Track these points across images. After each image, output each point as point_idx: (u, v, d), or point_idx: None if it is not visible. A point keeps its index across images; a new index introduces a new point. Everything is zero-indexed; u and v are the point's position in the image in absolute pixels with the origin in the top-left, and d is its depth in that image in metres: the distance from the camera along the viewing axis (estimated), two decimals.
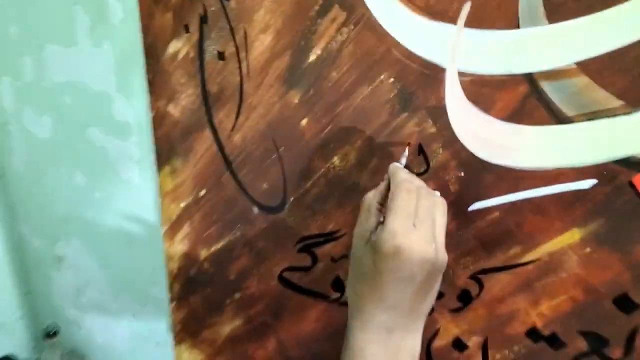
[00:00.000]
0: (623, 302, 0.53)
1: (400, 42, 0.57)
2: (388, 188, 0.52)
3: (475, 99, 0.55)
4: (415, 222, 0.46)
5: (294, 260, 0.76)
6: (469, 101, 0.55)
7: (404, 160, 0.59)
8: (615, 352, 0.56)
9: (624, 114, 0.48)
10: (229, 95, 0.73)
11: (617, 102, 0.48)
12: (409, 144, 0.60)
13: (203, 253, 0.85)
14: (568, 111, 0.50)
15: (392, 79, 0.59)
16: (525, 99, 0.52)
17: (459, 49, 0.54)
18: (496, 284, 0.60)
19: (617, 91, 0.47)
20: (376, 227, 0.48)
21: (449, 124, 0.57)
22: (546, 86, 0.51)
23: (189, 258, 0.88)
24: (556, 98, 0.51)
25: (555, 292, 0.57)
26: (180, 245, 0.88)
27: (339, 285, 0.73)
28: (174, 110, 0.79)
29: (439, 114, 0.58)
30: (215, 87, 0.74)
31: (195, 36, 0.73)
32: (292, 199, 0.72)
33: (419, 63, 0.57)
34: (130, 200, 0.93)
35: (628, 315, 0.54)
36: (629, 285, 0.53)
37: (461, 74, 0.55)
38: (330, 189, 0.68)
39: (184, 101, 0.77)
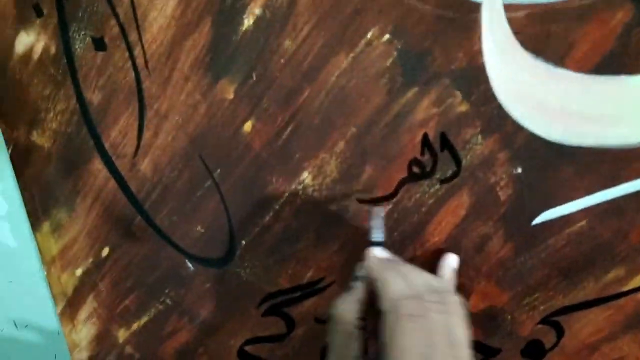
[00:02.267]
0: None
1: None
2: (369, 293, 0.37)
3: (536, 46, 0.34)
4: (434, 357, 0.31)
5: (258, 327, 0.52)
6: (527, 50, 0.34)
7: (380, 236, 0.40)
8: None
9: None
10: (122, 103, 0.47)
11: None
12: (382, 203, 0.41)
13: (121, 334, 0.60)
14: None
15: (387, 36, 0.37)
16: (627, 32, 0.32)
17: None
18: (586, 325, 0.40)
19: None
20: (359, 357, 0.35)
21: (492, 93, 0.36)
22: None
23: (102, 343, 0.62)
24: None
25: None
26: (86, 328, 0.62)
27: None
28: (40, 139, 0.52)
29: (473, 79, 0.36)
30: (98, 94, 0.48)
31: (53, 19, 0.47)
32: (243, 242, 0.48)
33: (434, 1, 0.35)
34: (6, 272, 0.65)
35: None
36: None
37: (509, 7, 0.33)
38: (301, 221, 0.45)
39: (54, 123, 0.51)
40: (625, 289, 0.37)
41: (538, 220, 0.38)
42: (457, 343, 0.32)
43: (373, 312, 0.35)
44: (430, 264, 0.41)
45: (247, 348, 0.54)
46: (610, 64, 0.33)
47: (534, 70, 0.34)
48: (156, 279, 0.55)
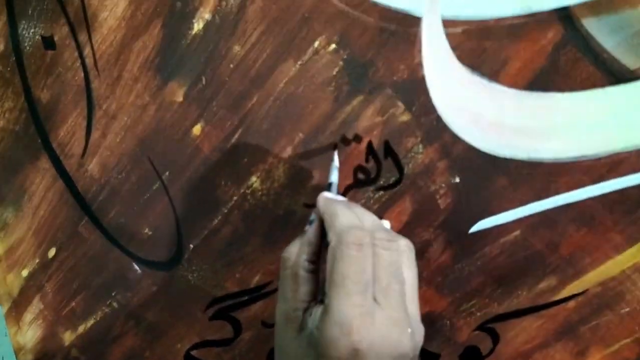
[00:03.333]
0: None
1: None
2: (320, 235, 0.34)
3: (473, 61, 0.35)
4: (377, 294, 0.29)
5: (205, 331, 0.52)
6: (463, 65, 0.35)
7: (334, 178, 0.38)
8: None
9: None
10: (71, 102, 0.47)
11: None
12: (334, 146, 0.39)
13: (67, 336, 0.59)
14: (629, 62, 0.32)
15: (333, 45, 0.38)
16: (557, 51, 0.33)
17: None
18: (519, 333, 0.41)
19: None
20: (309, 303, 0.32)
21: (432, 105, 0.37)
22: (591, 25, 0.32)
23: (48, 346, 0.61)
24: (609, 43, 0.32)
25: (613, 337, 0.38)
26: (32, 330, 0.60)
27: None
28: None
29: (415, 90, 0.37)
30: (47, 92, 0.48)
31: (2, 16, 0.46)
32: (191, 246, 0.48)
33: (378, 13, 0.36)
34: None
35: None
36: None
37: (448, 24, 0.34)
38: (249, 225, 0.45)
39: (1, 120, 0.50)
40: (556, 298, 0.39)
41: (474, 228, 0.39)
42: (403, 282, 0.31)
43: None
44: None
45: (194, 352, 0.53)
46: (542, 80, 0.34)
47: (470, 84, 0.35)
48: (103, 281, 0.54)
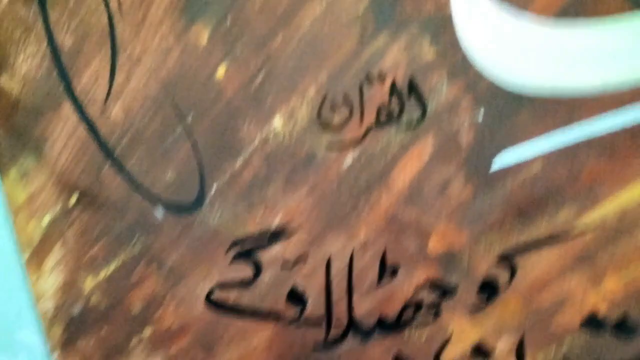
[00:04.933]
0: None
1: None
2: None
3: None
4: None
5: (226, 273, 0.53)
6: None
7: None
8: None
9: None
10: (94, 46, 0.48)
11: None
12: None
13: (89, 282, 0.60)
14: None
15: None
16: None
17: None
18: (537, 264, 0.42)
19: None
20: None
21: (458, 41, 0.37)
22: None
23: (68, 292, 0.62)
24: None
25: (628, 262, 0.40)
26: (52, 277, 0.62)
27: (296, 298, 0.52)
28: (9, 82, 0.52)
29: (441, 26, 0.38)
30: (70, 38, 0.48)
31: None
32: (214, 189, 0.49)
33: None
34: None
35: None
36: None
37: None
38: (272, 167, 0.47)
39: (24, 67, 0.51)
40: (576, 229, 0.40)
41: (496, 163, 0.40)
42: None
43: None
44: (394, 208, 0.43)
45: (214, 295, 0.55)
46: (573, 7, 0.35)
47: (497, 18, 0.36)
48: (125, 226, 0.55)
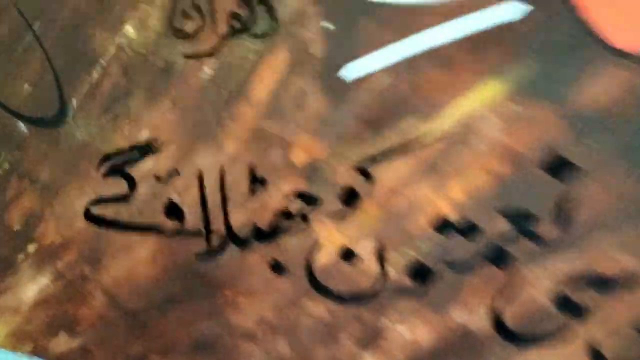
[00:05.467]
0: (555, 166, 0.39)
1: None
2: None
3: None
4: None
5: (101, 188, 0.52)
6: None
7: None
8: (546, 229, 0.42)
9: None
10: None
11: None
12: None
13: None
14: None
15: None
16: None
17: None
18: (390, 173, 0.42)
19: None
20: None
21: None
22: None
23: None
24: None
25: (468, 170, 0.41)
26: None
27: (174, 211, 0.51)
28: None
29: None
30: None
31: None
32: (74, 101, 0.47)
33: None
34: None
35: (561, 182, 0.39)
36: (563, 143, 0.38)
37: None
38: (131, 78, 0.44)
39: None
40: (419, 136, 0.40)
41: (348, 74, 0.39)
42: None
43: None
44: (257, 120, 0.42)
45: (93, 210, 0.54)
46: None
47: None
48: None
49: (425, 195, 0.42)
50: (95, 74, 0.45)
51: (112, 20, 0.41)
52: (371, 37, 0.37)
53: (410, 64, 0.37)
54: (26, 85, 0.47)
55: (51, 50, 0.45)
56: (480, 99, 0.38)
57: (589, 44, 0.33)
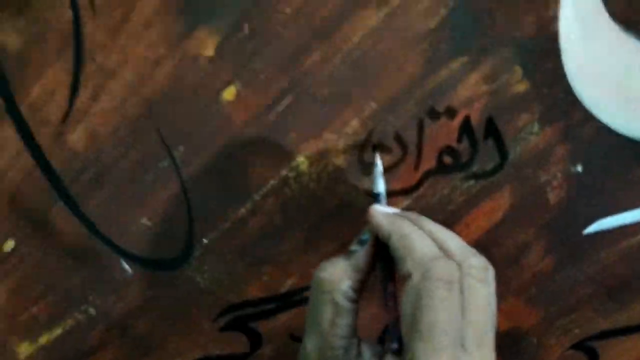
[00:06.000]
0: None
1: None
2: (372, 261, 0.29)
3: (628, 17, 0.27)
4: (467, 341, 0.24)
5: (213, 345, 0.42)
6: (616, 21, 0.27)
7: (382, 188, 0.32)
8: None
9: None
10: (52, 51, 0.36)
11: None
12: (374, 148, 0.33)
13: (23, 349, 0.47)
14: None
15: None
16: None
17: None
18: (623, 354, 0.34)
19: None
20: (349, 340, 0.27)
21: (562, 72, 0.29)
22: None
23: None
24: None
25: None
26: None
27: None
28: None
29: (540, 52, 0.29)
30: (18, 38, 0.36)
31: None
32: (205, 241, 0.38)
33: None
34: None
35: None
36: None
37: None
38: (289, 216, 0.36)
39: None
40: None
41: (592, 228, 0.32)
42: (494, 322, 0.26)
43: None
44: None
45: None
46: None
47: (620, 47, 0.27)
48: (78, 282, 0.43)
49: None
50: (242, 210, 0.37)
51: (282, 149, 0.34)
52: (634, 186, 0.30)
53: None
54: (145, 220, 0.39)
55: (190, 180, 0.37)
56: None
57: None
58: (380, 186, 0.31)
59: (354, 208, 0.35)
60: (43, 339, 0.46)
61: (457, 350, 0.23)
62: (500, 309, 0.34)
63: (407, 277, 0.25)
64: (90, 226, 0.40)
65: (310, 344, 0.27)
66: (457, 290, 0.24)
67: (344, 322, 0.27)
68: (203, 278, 0.40)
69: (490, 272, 0.26)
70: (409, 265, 0.25)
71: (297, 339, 0.40)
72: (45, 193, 0.41)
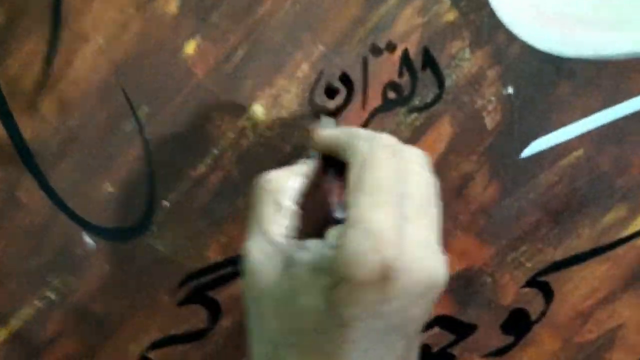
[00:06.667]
0: None
1: None
2: (319, 174, 0.29)
3: None
4: (409, 211, 0.24)
5: (172, 321, 0.41)
6: None
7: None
8: None
9: None
10: (32, 23, 0.39)
11: None
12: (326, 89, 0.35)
13: None
14: None
15: None
16: None
17: None
18: (578, 285, 0.34)
19: None
20: (290, 235, 0.27)
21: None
22: None
23: None
24: None
25: None
26: None
27: None
28: None
29: None
30: (1, 11, 0.39)
31: None
32: (165, 204, 0.39)
33: None
34: None
35: None
36: None
37: None
38: (246, 169, 0.37)
39: None
40: (626, 233, 0.33)
41: (528, 150, 0.33)
42: (439, 207, 0.26)
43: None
44: None
45: (151, 354, 0.42)
46: None
47: None
48: (39, 263, 0.43)
49: (628, 316, 0.33)
50: (202, 168, 0.38)
51: (239, 99, 0.36)
52: (563, 102, 0.32)
53: (615, 133, 0.31)
54: (108, 186, 0.40)
55: (153, 141, 0.39)
56: None
57: None
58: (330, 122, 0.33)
59: (307, 151, 0.36)
60: (2, 334, 0.45)
61: (399, 210, 0.23)
62: (451, 249, 0.35)
63: (355, 154, 0.26)
64: (56, 198, 0.41)
65: (253, 246, 0.27)
66: (400, 159, 0.25)
67: (289, 223, 0.27)
68: (164, 245, 0.40)
69: (427, 159, 0.27)
70: (356, 143, 0.26)
71: None
72: (14, 168, 0.42)
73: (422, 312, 0.24)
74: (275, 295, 0.25)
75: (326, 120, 0.33)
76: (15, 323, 0.44)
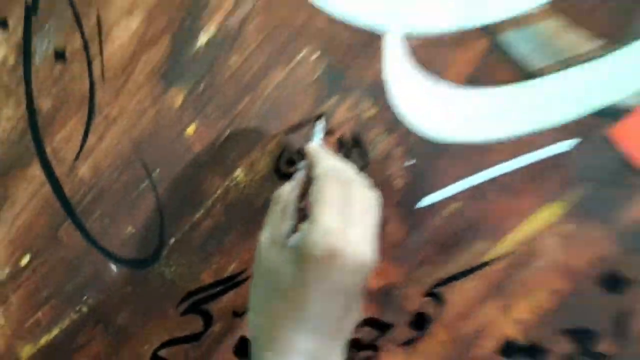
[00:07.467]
0: (611, 281, 0.46)
1: (324, 8, 0.47)
2: (310, 180, 0.42)
3: (424, 66, 0.46)
4: (353, 216, 0.38)
5: (175, 329, 0.55)
6: (416, 67, 0.46)
7: (319, 138, 0.48)
8: (606, 344, 0.47)
9: (600, 55, 0.43)
10: (73, 109, 0.53)
11: (590, 44, 0.43)
12: (318, 117, 0.49)
13: (27, 351, 0.59)
14: (536, 63, 0.44)
15: (316, 55, 0.48)
16: (485, 57, 0.45)
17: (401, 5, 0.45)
18: (459, 295, 0.49)
19: (592, 30, 0.43)
20: (294, 232, 0.40)
21: (393, 102, 0.47)
22: (510, 37, 0.44)
23: None
24: (522, 50, 0.44)
25: (531, 289, 0.47)
26: None
27: (244, 350, 0.54)
28: None
29: (379, 90, 0.47)
30: (49, 100, 0.54)
31: (17, 34, 0.53)
32: (172, 240, 0.54)
33: (350, 31, 0.47)
34: None
35: (617, 295, 0.46)
36: (618, 259, 0.46)
37: (405, 38, 0.46)
38: (230, 216, 0.52)
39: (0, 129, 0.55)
40: (487, 259, 0.48)
41: (421, 203, 0.48)
42: (378, 219, 0.38)
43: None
44: None
45: (161, 352, 0.56)
46: (476, 77, 0.46)
47: (422, 83, 0.46)
48: (75, 285, 0.57)
49: (492, 318, 0.48)
50: (198, 214, 0.52)
51: (226, 165, 0.51)
52: (444, 171, 0.47)
53: (478, 193, 0.46)
54: (130, 228, 0.54)
55: (162, 195, 0.53)
56: (540, 221, 0.47)
57: (628, 172, 0.44)
58: (318, 138, 0.47)
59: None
60: (43, 341, 0.59)
61: (345, 215, 0.36)
62: (375, 270, 0.50)
63: (315, 175, 0.39)
64: (88, 237, 0.56)
65: (265, 237, 0.40)
66: (346, 187, 0.38)
67: (290, 222, 0.40)
68: (170, 271, 0.54)
69: (369, 182, 0.40)
70: (318, 170, 0.39)
71: (239, 315, 0.54)
72: (57, 215, 0.56)
73: (357, 281, 0.37)
74: (270, 266, 0.39)
75: (318, 127, 0.47)
76: (54, 332, 0.58)
